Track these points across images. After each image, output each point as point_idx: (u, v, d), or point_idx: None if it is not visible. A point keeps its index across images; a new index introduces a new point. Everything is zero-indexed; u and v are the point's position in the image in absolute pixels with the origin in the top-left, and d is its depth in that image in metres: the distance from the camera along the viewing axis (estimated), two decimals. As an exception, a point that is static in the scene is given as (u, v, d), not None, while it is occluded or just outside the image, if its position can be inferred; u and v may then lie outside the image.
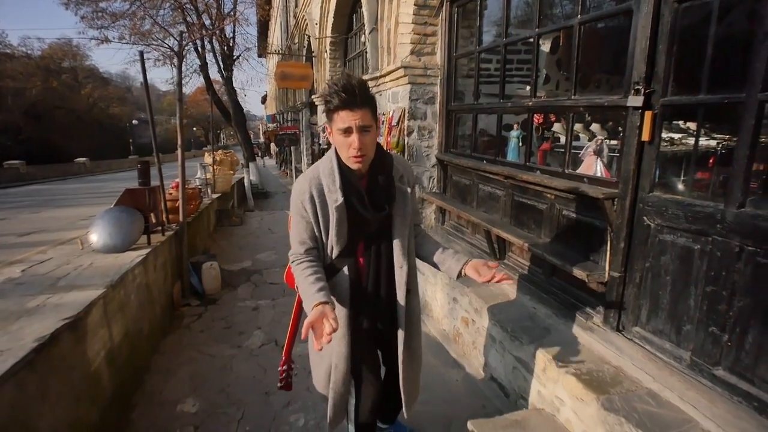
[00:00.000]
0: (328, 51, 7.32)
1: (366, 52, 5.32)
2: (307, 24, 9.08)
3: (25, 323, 1.72)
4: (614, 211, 1.96)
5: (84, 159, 20.57)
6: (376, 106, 1.40)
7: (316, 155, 9.83)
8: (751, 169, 1.49)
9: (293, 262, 1.45)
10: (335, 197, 1.39)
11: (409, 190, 1.53)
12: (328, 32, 7.08)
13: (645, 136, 1.78)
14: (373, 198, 1.45)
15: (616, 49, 2.07)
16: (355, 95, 1.28)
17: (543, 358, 2.05)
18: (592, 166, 2.40)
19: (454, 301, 3.00)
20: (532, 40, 2.59)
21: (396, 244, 1.51)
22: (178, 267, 3.84)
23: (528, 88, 2.89)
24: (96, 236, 2.95)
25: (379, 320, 1.59)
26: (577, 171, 2.37)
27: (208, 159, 7.61)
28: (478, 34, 3.24)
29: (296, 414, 2.32)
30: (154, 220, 3.33)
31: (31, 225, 5.00)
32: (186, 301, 3.85)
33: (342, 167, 1.42)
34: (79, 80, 33.38)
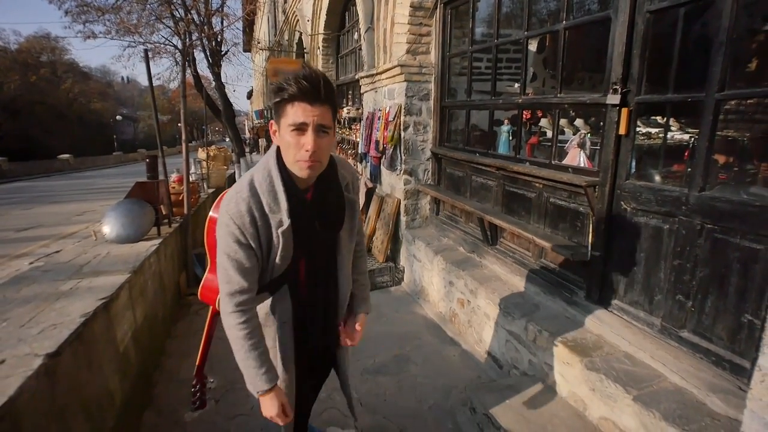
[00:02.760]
0: (321, 47, 7.45)
1: (359, 50, 5.49)
2: (297, 20, 9.16)
3: (66, 303, 1.88)
4: (595, 197, 2.20)
5: (68, 155, 20.21)
6: (337, 108, 1.17)
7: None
8: (710, 158, 1.73)
9: (228, 311, 1.20)
10: (279, 219, 1.13)
11: (356, 199, 1.33)
12: (321, 29, 7.20)
13: (622, 130, 2.02)
14: (323, 214, 1.23)
15: (597, 51, 2.30)
16: (319, 88, 1.05)
17: (533, 330, 2.29)
18: (576, 157, 2.63)
19: (451, 285, 3.22)
20: (521, 41, 2.80)
21: (340, 262, 1.33)
22: (183, 258, 3.98)
23: (517, 85, 3.10)
24: (109, 228, 3.07)
25: (320, 348, 1.45)
26: (563, 162, 2.60)
27: (201, 154, 7.67)
28: (470, 35, 3.45)
29: (308, 388, 2.51)
30: (164, 212, 3.46)
31: (26, 221, 4.90)
32: (191, 291, 3.99)
33: (285, 181, 1.14)
34: (59, 75, 32.49)
